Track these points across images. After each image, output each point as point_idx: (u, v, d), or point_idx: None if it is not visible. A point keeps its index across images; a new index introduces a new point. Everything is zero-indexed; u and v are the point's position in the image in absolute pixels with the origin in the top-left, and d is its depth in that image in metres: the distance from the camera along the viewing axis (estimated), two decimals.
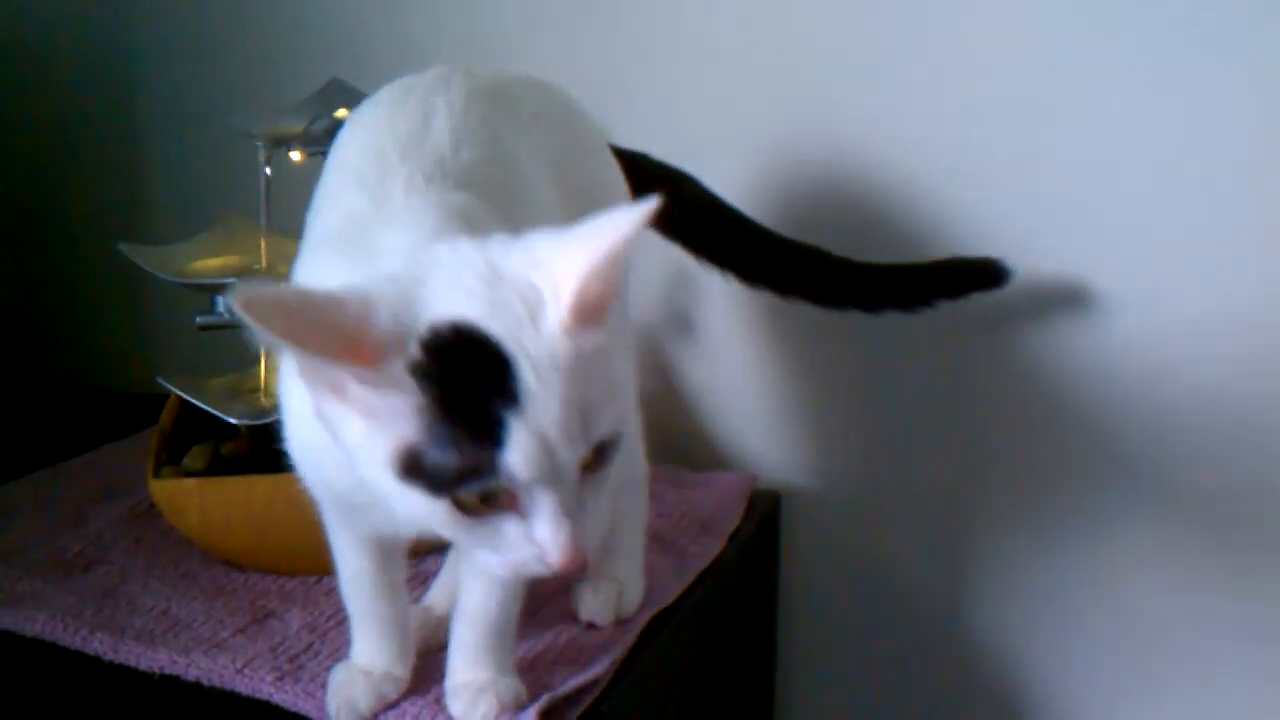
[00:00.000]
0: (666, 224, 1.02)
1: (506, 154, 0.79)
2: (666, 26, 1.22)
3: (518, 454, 0.56)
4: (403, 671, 0.83)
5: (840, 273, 1.08)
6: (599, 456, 0.60)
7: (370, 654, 0.82)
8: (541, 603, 0.93)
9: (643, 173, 0.96)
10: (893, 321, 1.11)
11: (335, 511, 0.79)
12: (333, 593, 0.95)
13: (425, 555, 0.98)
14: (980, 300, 1.10)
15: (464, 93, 0.80)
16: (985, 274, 1.06)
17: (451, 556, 0.93)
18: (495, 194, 0.74)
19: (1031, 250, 1.10)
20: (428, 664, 0.84)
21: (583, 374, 0.58)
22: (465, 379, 0.57)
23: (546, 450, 0.57)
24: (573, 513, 0.59)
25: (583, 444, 0.58)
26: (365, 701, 0.80)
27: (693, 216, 1.06)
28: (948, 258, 1.09)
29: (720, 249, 1.08)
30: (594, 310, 0.59)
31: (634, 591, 0.94)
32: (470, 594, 0.79)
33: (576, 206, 0.80)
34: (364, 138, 0.78)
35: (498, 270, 0.60)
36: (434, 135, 0.76)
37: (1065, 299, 1.12)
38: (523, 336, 0.57)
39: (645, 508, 0.98)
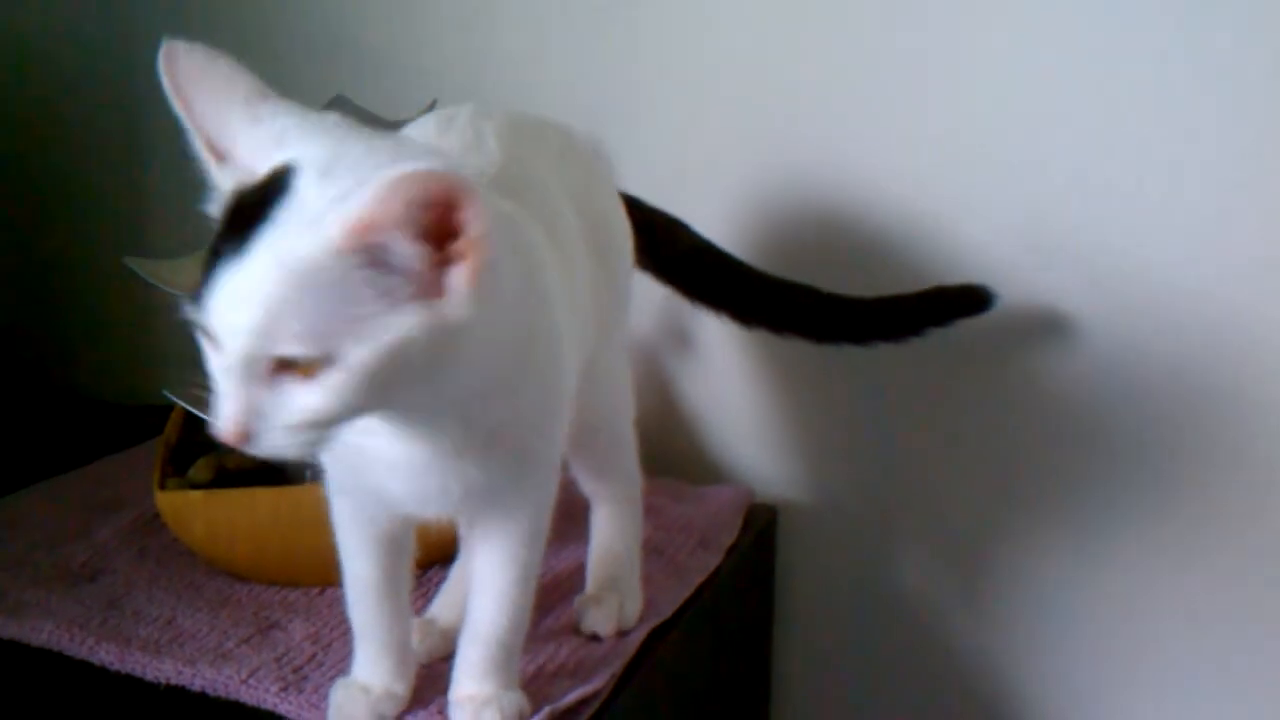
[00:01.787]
0: (660, 268, 1.08)
1: (542, 180, 0.83)
2: (653, 59, 1.24)
3: (208, 302, 0.58)
4: (402, 689, 0.83)
5: (831, 308, 1.11)
6: (284, 370, 0.59)
7: (370, 669, 0.83)
8: (541, 615, 0.93)
9: (636, 216, 0.98)
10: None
11: (339, 493, 0.80)
12: (336, 604, 0.96)
13: (430, 567, 0.99)
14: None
15: (505, 123, 0.85)
16: (970, 300, 1.08)
17: (457, 569, 0.95)
18: (537, 210, 0.78)
19: (1020, 267, 1.12)
20: (431, 675, 0.85)
21: (310, 285, 0.57)
22: (238, 221, 0.59)
23: (220, 318, 0.58)
24: (238, 392, 0.59)
25: (247, 336, 0.58)
26: None
27: (685, 261, 1.10)
28: (933, 287, 1.10)
29: (714, 292, 1.12)
30: (375, 248, 0.58)
31: (634, 603, 0.95)
32: (481, 609, 0.81)
33: (594, 234, 0.87)
34: None
35: (362, 156, 0.60)
36: (487, 151, 0.80)
37: (1053, 316, 1.14)
38: (290, 218, 0.58)
39: (641, 521, 1.00)
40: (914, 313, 1.09)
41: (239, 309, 0.58)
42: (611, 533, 0.98)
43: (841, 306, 1.11)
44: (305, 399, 0.60)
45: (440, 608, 0.93)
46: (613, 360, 0.95)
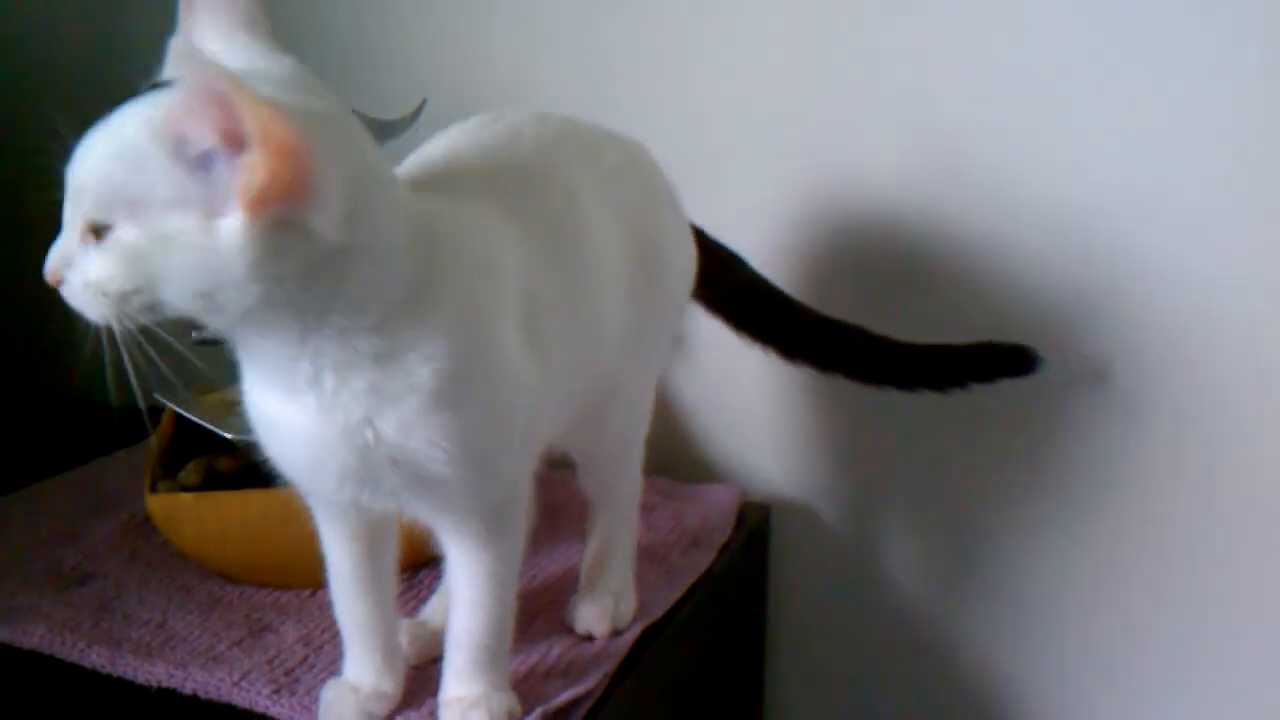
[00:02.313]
0: (714, 302, 1.07)
1: (568, 189, 0.84)
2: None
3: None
4: (391, 687, 0.84)
5: (878, 351, 1.11)
6: (94, 234, 0.64)
7: (359, 669, 0.83)
8: (533, 616, 0.94)
9: (697, 245, 0.99)
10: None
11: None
12: (326, 606, 0.95)
13: (419, 569, 0.99)
14: (972, 315, 1.13)
15: (554, 128, 0.87)
16: (1018, 361, 1.08)
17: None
18: (532, 216, 0.80)
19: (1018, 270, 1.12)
20: (423, 676, 0.85)
21: (122, 159, 0.63)
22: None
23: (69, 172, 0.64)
24: (63, 240, 0.65)
25: (72, 191, 0.64)
26: None
27: (740, 296, 1.10)
28: (983, 341, 1.10)
29: (764, 327, 1.11)
30: (180, 141, 0.61)
31: (628, 603, 0.95)
32: (461, 609, 0.80)
33: (642, 255, 0.88)
34: (445, 140, 0.86)
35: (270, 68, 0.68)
36: (515, 151, 0.84)
37: (1051, 318, 1.14)
38: (143, 105, 0.64)
39: (637, 523, 1.00)
40: (962, 365, 1.09)
41: (75, 167, 0.64)
42: (609, 534, 0.97)
43: (890, 351, 1.10)
44: (92, 261, 0.64)
45: (432, 609, 0.93)
46: (639, 378, 0.95)
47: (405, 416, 0.69)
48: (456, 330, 0.70)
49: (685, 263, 0.96)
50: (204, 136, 0.60)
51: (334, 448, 0.71)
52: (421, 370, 0.69)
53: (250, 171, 0.59)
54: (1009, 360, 1.08)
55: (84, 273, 0.64)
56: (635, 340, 0.89)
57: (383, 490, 0.73)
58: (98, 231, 0.63)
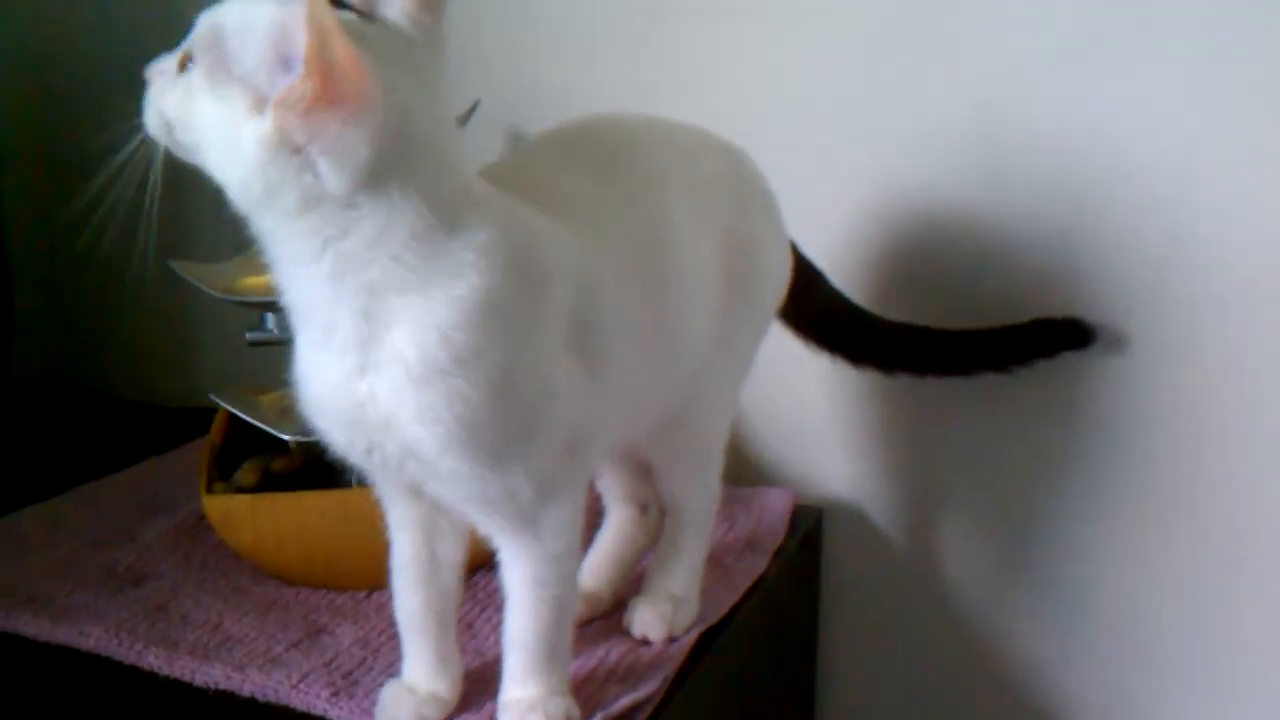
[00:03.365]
0: (795, 318, 1.07)
1: (657, 197, 0.84)
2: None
3: None
4: (446, 691, 0.83)
5: (938, 344, 1.13)
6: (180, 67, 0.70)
7: (415, 670, 0.83)
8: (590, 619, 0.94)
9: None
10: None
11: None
12: (384, 608, 0.96)
13: (478, 570, 0.98)
14: (1015, 306, 1.13)
15: (648, 133, 0.89)
16: (1073, 334, 1.10)
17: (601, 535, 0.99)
18: (597, 223, 0.80)
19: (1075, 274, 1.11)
20: (483, 679, 0.85)
21: (227, 27, 0.67)
22: None
23: None
24: (167, 59, 0.71)
25: (191, 33, 0.69)
26: None
27: (822, 314, 1.11)
28: (1036, 319, 1.11)
29: (836, 340, 1.12)
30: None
31: (688, 610, 0.94)
32: (512, 610, 0.80)
33: (732, 261, 0.88)
34: (538, 141, 0.90)
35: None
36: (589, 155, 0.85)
37: (1106, 318, 1.12)
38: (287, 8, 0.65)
39: (710, 529, 0.98)
40: (1019, 344, 1.11)
41: (213, 7, 0.69)
42: (676, 539, 0.96)
43: (949, 341, 1.13)
44: (168, 82, 0.70)
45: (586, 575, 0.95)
46: (722, 387, 0.95)
47: (394, 383, 0.70)
48: (454, 325, 0.69)
49: (779, 273, 0.97)
50: (296, 47, 0.63)
51: (337, 394, 0.72)
52: (406, 346, 0.69)
53: (296, 86, 0.63)
54: (1065, 335, 1.10)
55: (159, 87, 0.71)
56: (721, 349, 0.89)
57: (391, 461, 0.73)
58: (184, 64, 0.69)
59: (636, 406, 0.84)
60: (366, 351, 0.70)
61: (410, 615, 0.83)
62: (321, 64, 0.62)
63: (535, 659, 0.79)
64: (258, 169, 0.65)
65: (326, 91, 0.63)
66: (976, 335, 1.12)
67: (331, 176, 0.65)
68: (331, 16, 0.62)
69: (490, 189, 0.74)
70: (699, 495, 0.96)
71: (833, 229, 1.19)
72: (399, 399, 0.70)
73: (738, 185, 0.93)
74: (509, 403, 0.72)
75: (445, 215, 0.69)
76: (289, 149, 0.65)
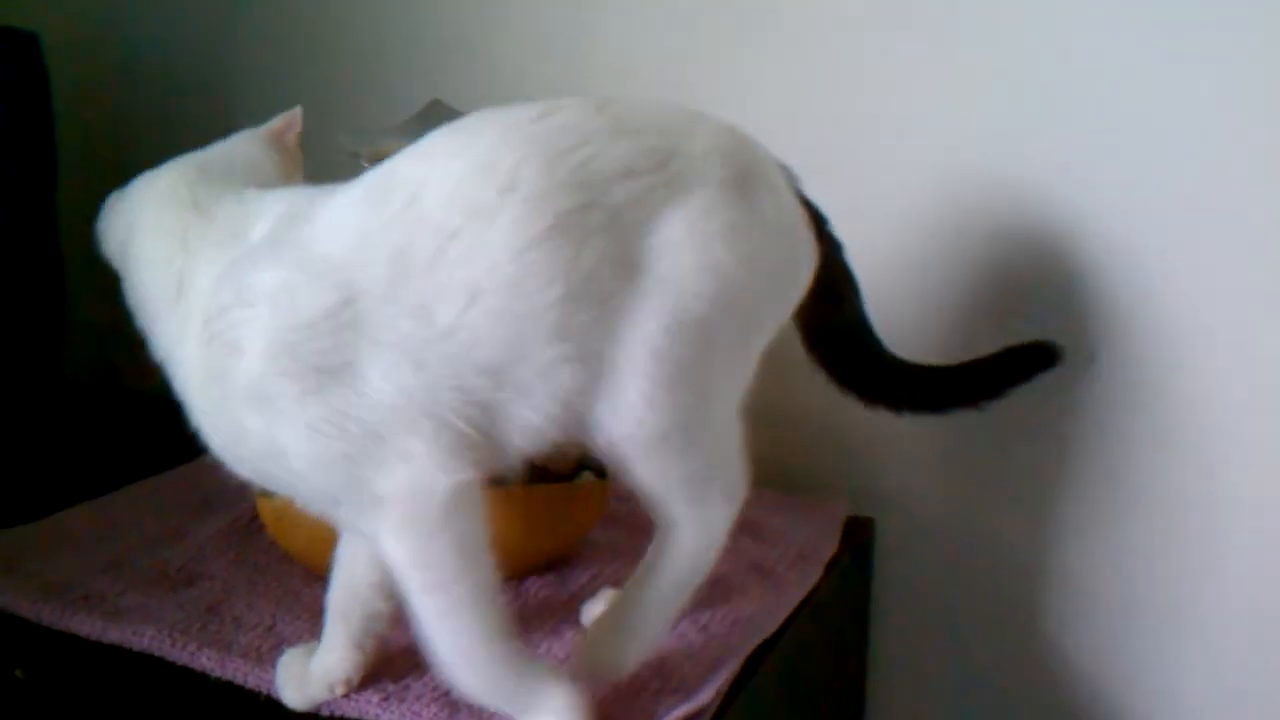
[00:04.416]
0: (812, 334, 0.95)
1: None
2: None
3: None
4: (337, 670, 0.86)
5: (914, 379, 1.02)
6: None
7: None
8: None
9: (826, 264, 0.89)
10: (976, 339, 1.10)
11: None
12: None
13: (526, 577, 0.97)
14: (1065, 316, 1.13)
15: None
16: (1042, 356, 1.00)
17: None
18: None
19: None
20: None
21: None
22: None
23: None
24: None
25: None
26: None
27: (838, 340, 0.97)
28: (1002, 349, 1.02)
29: (849, 374, 0.99)
30: None
31: (635, 652, 0.84)
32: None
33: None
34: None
35: None
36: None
37: (1159, 321, 1.12)
38: None
39: (707, 560, 0.84)
40: (991, 376, 1.01)
41: None
42: (663, 559, 0.84)
43: (923, 376, 1.02)
44: None
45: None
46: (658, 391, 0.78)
47: None
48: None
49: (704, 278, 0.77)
50: None
51: None
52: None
53: None
54: (1034, 358, 1.01)
55: None
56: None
57: None
58: None
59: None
60: None
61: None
62: None
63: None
64: None
65: None
66: (948, 371, 1.02)
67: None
68: None
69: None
70: (690, 533, 0.84)
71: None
72: None
73: (749, 156, 0.82)
74: (239, 425, 0.79)
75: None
76: None
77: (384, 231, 0.74)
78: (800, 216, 0.85)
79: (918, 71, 1.17)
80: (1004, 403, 1.16)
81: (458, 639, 0.76)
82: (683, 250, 0.76)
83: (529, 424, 0.76)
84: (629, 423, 0.77)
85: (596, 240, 0.74)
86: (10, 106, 1.25)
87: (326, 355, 0.73)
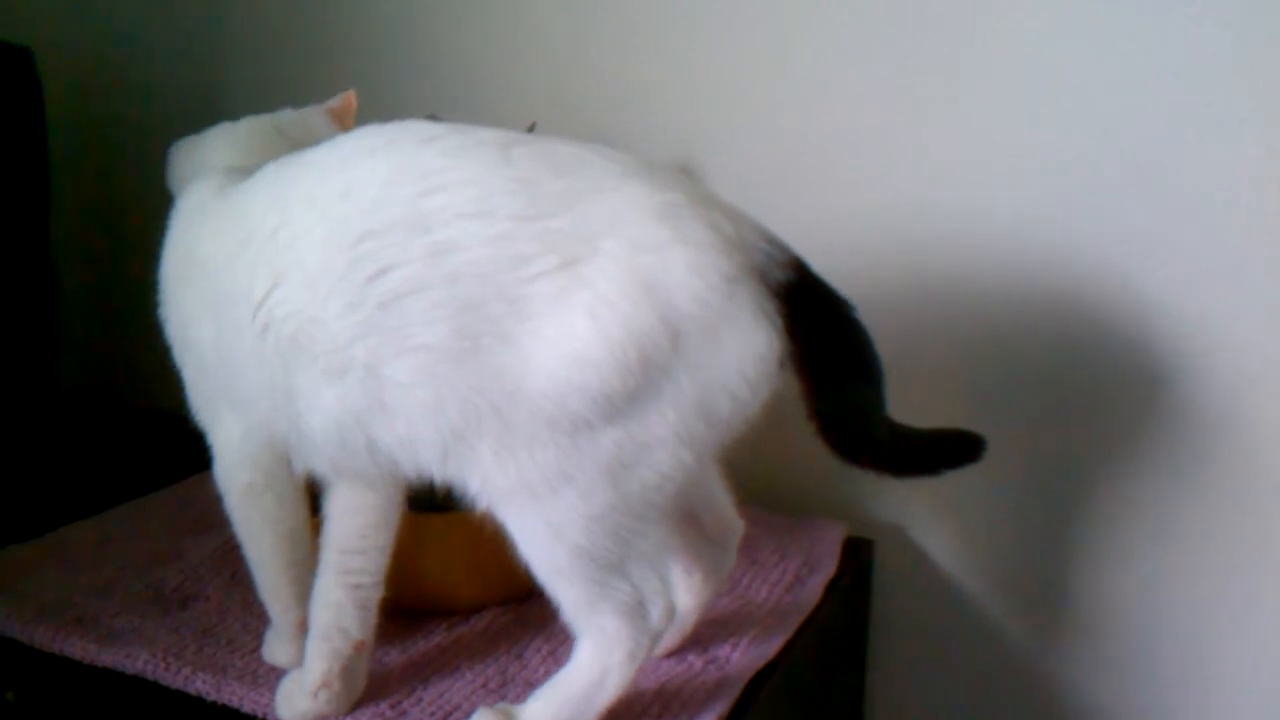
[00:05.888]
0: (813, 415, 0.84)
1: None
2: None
3: None
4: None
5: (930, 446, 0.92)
6: None
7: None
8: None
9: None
10: (981, 365, 1.10)
11: None
12: (431, 632, 0.95)
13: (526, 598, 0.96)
14: (1072, 336, 1.12)
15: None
16: (968, 448, 0.91)
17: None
18: None
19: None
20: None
21: None
22: None
23: None
24: None
25: None
26: None
27: (838, 427, 0.86)
28: (933, 430, 0.92)
29: (853, 452, 0.88)
30: None
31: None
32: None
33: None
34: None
35: None
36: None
37: (1163, 343, 1.11)
38: None
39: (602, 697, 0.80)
40: (923, 453, 0.91)
41: None
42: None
43: (924, 442, 0.92)
44: None
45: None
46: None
47: None
48: None
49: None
50: None
51: None
52: None
53: None
54: (961, 448, 0.91)
55: None
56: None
57: None
58: None
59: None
60: None
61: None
62: None
63: None
64: None
65: None
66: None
67: None
68: None
69: None
70: (587, 635, 0.80)
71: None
72: None
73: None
74: None
75: None
76: None
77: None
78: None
79: (911, 83, 1.17)
80: (1002, 428, 1.17)
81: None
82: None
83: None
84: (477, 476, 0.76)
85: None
86: (4, 121, 1.25)
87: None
